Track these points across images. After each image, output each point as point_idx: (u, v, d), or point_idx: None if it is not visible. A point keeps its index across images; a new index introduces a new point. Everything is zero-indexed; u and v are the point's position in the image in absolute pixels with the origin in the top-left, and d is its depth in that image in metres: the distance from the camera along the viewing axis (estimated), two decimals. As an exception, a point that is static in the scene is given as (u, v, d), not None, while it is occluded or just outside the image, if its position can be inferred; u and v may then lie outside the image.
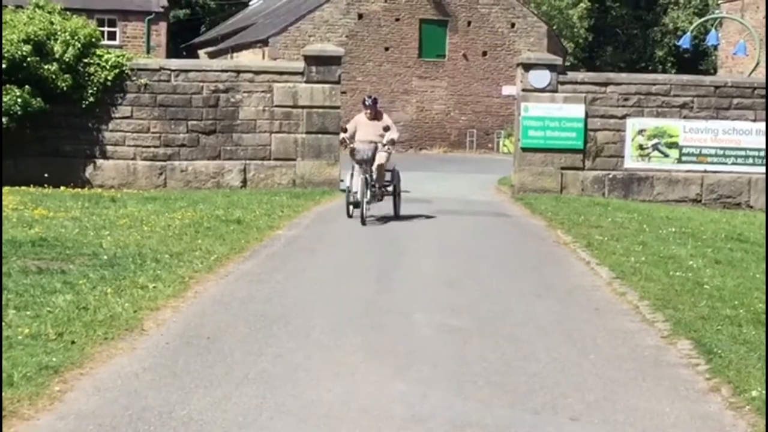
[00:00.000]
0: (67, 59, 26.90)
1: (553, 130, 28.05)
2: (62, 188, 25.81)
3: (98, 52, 27.73)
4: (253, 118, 27.96)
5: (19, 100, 25.83)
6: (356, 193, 20.75)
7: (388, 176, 21.69)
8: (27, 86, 26.16)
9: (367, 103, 21.65)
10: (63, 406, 7.69)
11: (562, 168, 28.31)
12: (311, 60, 28.23)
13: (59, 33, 27.21)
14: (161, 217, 20.09)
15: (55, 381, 8.26)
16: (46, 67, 26.57)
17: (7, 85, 25.97)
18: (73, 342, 9.47)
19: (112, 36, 56.64)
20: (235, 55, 59.46)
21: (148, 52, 54.29)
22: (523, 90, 28.32)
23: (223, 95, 27.91)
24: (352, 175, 21.04)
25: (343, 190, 22.52)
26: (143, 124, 27.69)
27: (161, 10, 58.42)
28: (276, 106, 27.97)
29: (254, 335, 10.38)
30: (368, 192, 20.67)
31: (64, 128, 27.37)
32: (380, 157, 21.04)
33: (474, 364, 9.52)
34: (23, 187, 25.40)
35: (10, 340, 9.31)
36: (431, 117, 55.97)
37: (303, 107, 27.93)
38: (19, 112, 25.92)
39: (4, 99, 25.70)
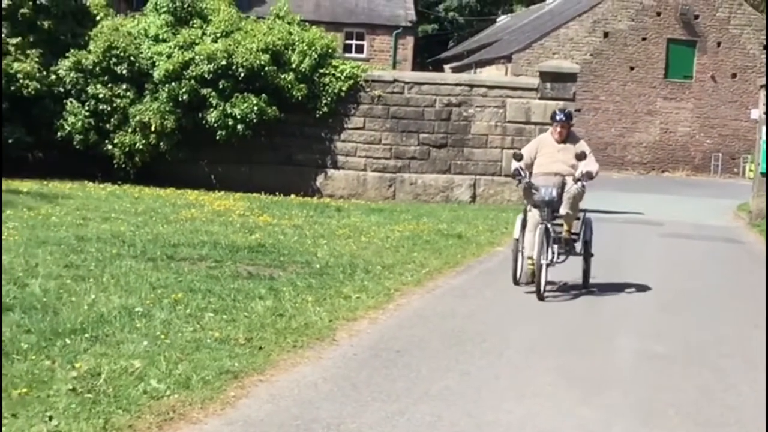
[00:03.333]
0: (303, 69, 27.36)
1: (796, 154, 26.91)
2: (292, 196, 26.24)
3: (334, 62, 28.10)
4: (485, 133, 27.82)
5: (255, 108, 26.42)
6: (530, 255, 14.23)
7: (576, 226, 14.84)
8: (263, 95, 26.71)
9: (557, 117, 14.84)
10: (234, 412, 7.60)
11: (804, 194, 27.13)
12: (546, 76, 27.93)
13: (297, 43, 27.70)
14: (382, 228, 20.11)
15: (233, 386, 8.18)
16: (282, 76, 27.07)
17: (245, 93, 26.57)
18: (260, 348, 9.41)
19: (359, 49, 57.44)
20: (478, 70, 59.40)
21: (394, 66, 54.85)
22: (766, 113, 27.28)
23: (456, 109, 27.86)
24: (524, 222, 14.69)
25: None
26: (375, 136, 27.86)
27: (409, 24, 58.93)
28: (508, 121, 27.80)
29: (446, 351, 10.13)
30: (549, 250, 13.98)
31: (297, 137, 27.81)
32: (571, 192, 14.27)
33: (669, 393, 9.03)
34: (254, 194, 25.93)
35: (198, 343, 9.31)
36: (675, 139, 54.64)
37: (536, 124, 27.59)
38: (255, 120, 26.52)
39: (242, 107, 26.32)
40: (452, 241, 18.96)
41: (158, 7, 28.17)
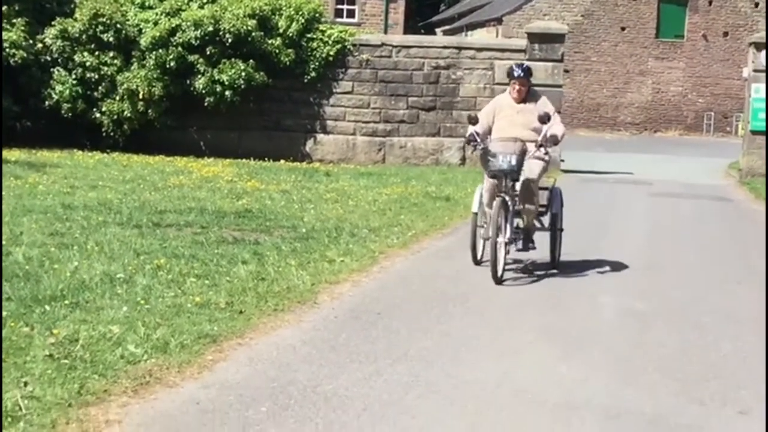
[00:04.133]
0: (290, 34, 27.30)
1: (785, 112, 26.91)
2: (282, 162, 26.23)
3: (321, 27, 28.04)
4: (474, 96, 27.75)
5: (243, 73, 26.37)
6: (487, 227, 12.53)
7: (542, 198, 13.07)
8: (251, 60, 26.66)
9: (515, 73, 12.86)
10: (211, 375, 7.60)
11: (794, 152, 27.15)
12: (534, 37, 27.85)
13: (284, 8, 27.62)
14: (370, 192, 20.13)
15: (211, 350, 8.17)
16: (269, 41, 27.02)
17: (233, 59, 26.50)
18: (241, 312, 9.41)
19: (351, 14, 57.16)
20: (469, 33, 59.23)
21: (386, 30, 54.61)
22: (755, 71, 27.30)
23: (444, 72, 27.81)
24: (482, 195, 12.94)
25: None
26: (363, 100, 27.82)
27: (400, -12, 58.67)
28: (497, 83, 27.64)
29: (427, 312, 10.14)
30: (507, 226, 12.13)
31: (285, 102, 27.77)
32: (531, 167, 12.42)
33: (648, 350, 9.06)
34: (244, 160, 25.95)
35: (179, 308, 9.31)
36: (667, 99, 54.57)
37: (525, 85, 27.46)
38: (243, 86, 26.45)
39: (229, 73, 26.24)
40: (440, 204, 18.96)
41: (144, -27, 28.08)
